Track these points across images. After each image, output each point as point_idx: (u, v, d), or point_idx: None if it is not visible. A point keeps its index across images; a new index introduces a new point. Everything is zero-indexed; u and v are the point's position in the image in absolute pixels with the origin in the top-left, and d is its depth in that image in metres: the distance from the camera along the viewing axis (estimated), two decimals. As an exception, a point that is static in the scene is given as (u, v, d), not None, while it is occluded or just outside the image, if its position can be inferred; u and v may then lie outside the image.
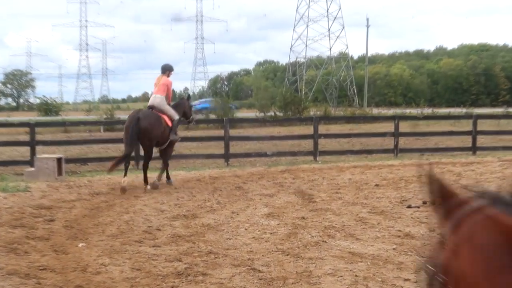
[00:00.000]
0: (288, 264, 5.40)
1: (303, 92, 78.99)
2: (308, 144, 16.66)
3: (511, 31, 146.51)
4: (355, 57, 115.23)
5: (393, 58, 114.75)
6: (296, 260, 5.53)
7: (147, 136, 10.11)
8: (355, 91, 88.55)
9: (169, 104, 10.72)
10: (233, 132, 18.68)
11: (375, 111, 47.69)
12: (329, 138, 17.65)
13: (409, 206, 8.02)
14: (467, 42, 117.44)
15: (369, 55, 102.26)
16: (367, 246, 5.96)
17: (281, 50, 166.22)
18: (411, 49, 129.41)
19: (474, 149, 15.75)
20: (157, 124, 10.25)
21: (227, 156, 14.06)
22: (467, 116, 20.30)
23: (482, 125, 21.69)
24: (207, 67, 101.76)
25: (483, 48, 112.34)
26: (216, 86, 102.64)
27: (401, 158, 15.15)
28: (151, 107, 10.52)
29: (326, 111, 38.17)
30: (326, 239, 6.27)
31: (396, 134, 15.80)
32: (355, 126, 28.56)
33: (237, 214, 7.76)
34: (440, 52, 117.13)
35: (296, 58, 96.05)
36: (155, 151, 10.73)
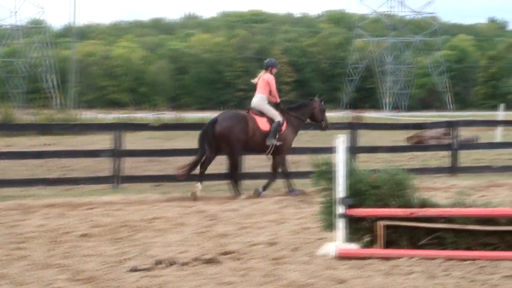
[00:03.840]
0: None
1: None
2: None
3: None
4: (57, 28, 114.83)
5: (117, 31, 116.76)
6: None
7: (224, 141, 14.83)
8: (56, 83, 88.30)
9: (277, 104, 15.39)
10: None
11: (87, 115, 47.99)
12: (8, 159, 17.59)
13: (134, 269, 8.25)
14: (232, 9, 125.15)
15: (79, 25, 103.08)
16: None
17: None
18: (145, 17, 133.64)
19: (238, 176, 16.70)
20: (238, 127, 14.81)
21: None
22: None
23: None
24: None
25: (257, 18, 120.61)
26: None
27: (124, 191, 15.49)
28: (249, 109, 15.39)
29: (7, 115, 37.20)
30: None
31: (118, 153, 16.18)
32: (53, 139, 28.85)
33: None
34: (191, 23, 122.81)
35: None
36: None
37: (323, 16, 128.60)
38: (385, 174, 9.19)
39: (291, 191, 15.24)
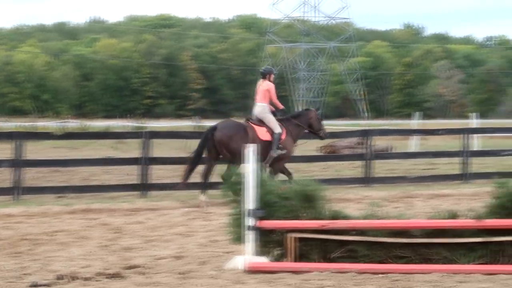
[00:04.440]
0: None
1: None
2: None
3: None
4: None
5: (18, 36, 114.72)
6: None
7: (225, 148, 15.58)
8: None
9: (277, 111, 16.35)
10: None
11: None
12: None
13: (35, 285, 8.19)
14: (139, 13, 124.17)
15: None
16: None
17: None
18: (49, 21, 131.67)
19: (144, 187, 16.97)
20: (237, 136, 15.59)
21: None
22: (136, 134, 21.72)
23: (162, 147, 23.40)
24: None
25: (165, 23, 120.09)
26: None
27: (25, 203, 15.42)
28: (248, 118, 16.42)
29: None
30: None
31: (18, 163, 16.24)
32: None
33: None
34: (96, 27, 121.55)
35: None
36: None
37: (234, 21, 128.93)
38: (296, 185, 9.31)
39: None
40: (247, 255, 8.97)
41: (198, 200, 15.38)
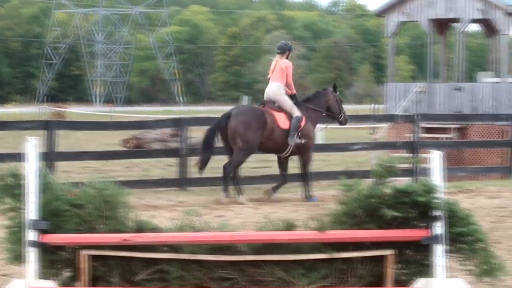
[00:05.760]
0: None
1: None
2: None
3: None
4: None
5: None
6: None
7: (238, 137, 16.74)
8: None
9: (292, 95, 17.36)
10: None
11: None
12: None
13: None
14: None
15: None
16: None
17: None
18: None
19: None
20: (255, 123, 16.73)
21: None
22: None
23: None
24: None
25: None
26: None
27: None
28: (264, 102, 17.61)
29: None
30: None
31: None
32: None
33: None
34: None
35: None
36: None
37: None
38: (91, 189, 9.22)
39: (308, 198, 17.44)
40: (28, 278, 8.84)
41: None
